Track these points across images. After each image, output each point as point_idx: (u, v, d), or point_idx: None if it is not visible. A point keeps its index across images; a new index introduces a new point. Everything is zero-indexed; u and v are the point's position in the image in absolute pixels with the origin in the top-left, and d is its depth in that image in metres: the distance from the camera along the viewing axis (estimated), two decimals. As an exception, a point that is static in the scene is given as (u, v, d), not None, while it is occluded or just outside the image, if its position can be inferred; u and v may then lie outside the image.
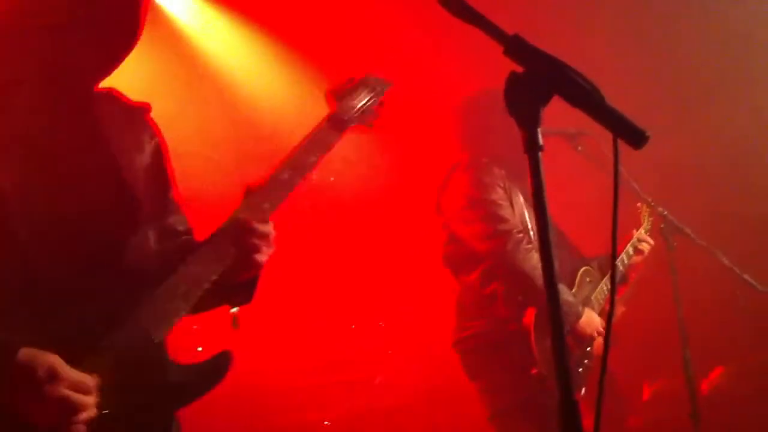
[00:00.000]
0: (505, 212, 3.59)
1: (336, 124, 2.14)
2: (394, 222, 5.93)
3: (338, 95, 2.21)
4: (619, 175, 1.35)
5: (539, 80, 1.29)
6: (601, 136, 1.39)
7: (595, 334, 3.60)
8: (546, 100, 1.29)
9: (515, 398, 3.49)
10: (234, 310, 2.13)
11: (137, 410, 1.74)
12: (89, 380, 1.64)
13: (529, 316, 3.43)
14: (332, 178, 5.79)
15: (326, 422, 5.34)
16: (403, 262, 5.78)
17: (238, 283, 2.01)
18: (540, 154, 1.30)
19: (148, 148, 1.99)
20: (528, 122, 1.29)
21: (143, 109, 2.05)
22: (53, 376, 1.58)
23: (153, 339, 1.77)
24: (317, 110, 2.19)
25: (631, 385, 4.94)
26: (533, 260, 3.47)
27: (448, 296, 3.86)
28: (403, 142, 5.95)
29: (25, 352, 1.58)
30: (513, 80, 1.30)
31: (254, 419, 5.48)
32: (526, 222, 3.64)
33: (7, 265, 1.70)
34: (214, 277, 1.86)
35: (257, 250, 1.93)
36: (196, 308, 1.89)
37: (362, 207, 6.04)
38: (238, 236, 1.90)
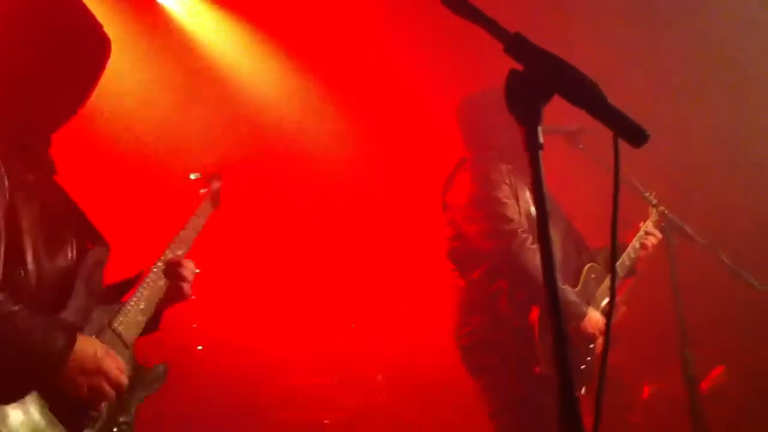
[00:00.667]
0: (510, 211, 3.59)
1: (210, 201, 2.84)
2: (393, 219, 5.94)
3: (199, 182, 2.89)
4: (619, 173, 1.35)
5: (539, 78, 1.29)
6: (601, 134, 1.39)
7: (598, 333, 3.60)
8: (546, 98, 1.29)
9: (516, 396, 3.50)
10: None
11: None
12: (123, 363, 2.15)
13: (534, 315, 3.43)
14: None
15: (325, 421, 5.34)
16: (401, 259, 5.79)
17: (158, 312, 2.47)
18: (540, 152, 1.30)
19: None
20: (528, 120, 1.30)
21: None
22: (109, 354, 2.09)
23: (127, 345, 2.25)
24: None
25: (630, 384, 4.95)
26: (537, 260, 3.45)
27: (447, 292, 3.86)
28: (403, 139, 5.98)
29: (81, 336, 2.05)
30: (513, 78, 1.30)
31: (256, 417, 5.50)
32: (532, 218, 3.62)
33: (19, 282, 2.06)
34: (157, 301, 2.40)
35: (187, 281, 2.48)
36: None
37: (363, 203, 6.05)
38: (175, 270, 2.46)
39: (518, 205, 3.63)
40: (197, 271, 2.54)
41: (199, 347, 5.51)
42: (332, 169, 6.00)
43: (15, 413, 1.92)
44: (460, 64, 5.42)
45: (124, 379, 2.14)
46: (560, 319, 1.33)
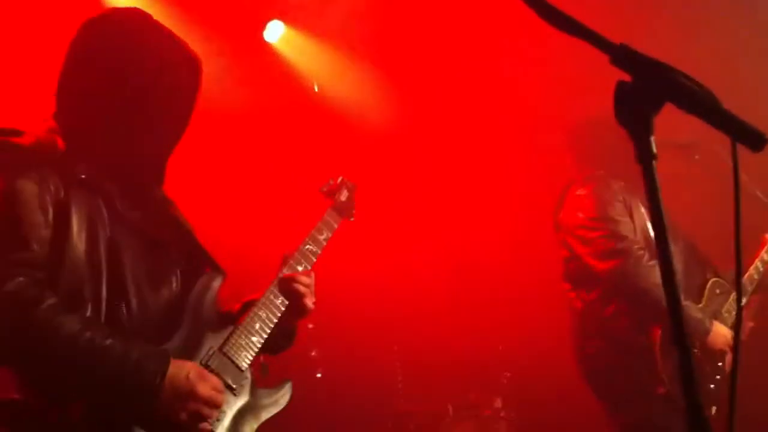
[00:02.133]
0: (624, 229, 3.54)
1: (336, 212, 2.80)
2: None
3: (327, 193, 2.88)
4: (739, 181, 1.30)
5: (649, 88, 1.26)
6: (718, 144, 1.34)
7: (726, 349, 3.46)
8: (657, 107, 1.26)
9: (640, 419, 3.42)
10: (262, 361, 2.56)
11: (231, 424, 2.19)
12: (220, 382, 2.13)
13: (655, 334, 3.34)
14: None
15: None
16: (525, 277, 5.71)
17: (284, 330, 2.48)
18: (654, 163, 1.27)
19: (191, 229, 2.45)
20: (640, 131, 1.27)
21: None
22: (201, 375, 2.05)
23: (240, 367, 2.24)
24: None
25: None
26: (655, 277, 3.37)
27: (566, 314, 3.80)
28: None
29: (175, 360, 2.04)
30: (622, 89, 1.28)
31: None
32: (648, 234, 3.56)
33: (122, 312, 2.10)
34: (276, 320, 2.38)
35: (304, 296, 2.45)
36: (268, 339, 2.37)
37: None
38: (289, 286, 2.43)
39: (633, 222, 3.57)
40: (309, 283, 2.49)
41: (318, 374, 5.60)
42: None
43: None
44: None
45: (220, 399, 2.09)
46: (684, 334, 1.28)
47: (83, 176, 2.11)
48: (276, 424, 2.42)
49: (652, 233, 3.56)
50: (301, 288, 2.44)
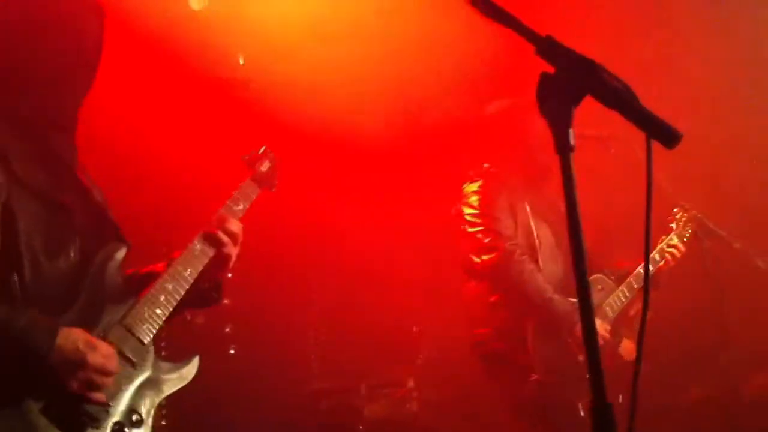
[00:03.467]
0: (502, 226, 3.75)
1: (256, 182, 2.70)
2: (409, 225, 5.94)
3: (248, 162, 2.77)
4: (651, 176, 1.34)
5: (571, 80, 1.28)
6: (632, 138, 1.38)
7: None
8: (578, 100, 1.29)
9: (523, 402, 3.65)
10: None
11: (130, 398, 2.13)
12: (112, 348, 2.06)
13: (527, 325, 3.57)
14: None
15: (360, 426, 5.32)
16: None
17: (211, 284, 2.42)
18: (571, 154, 1.29)
19: (102, 195, 2.37)
20: (559, 122, 1.29)
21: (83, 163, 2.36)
22: (90, 344, 1.98)
23: (141, 340, 2.17)
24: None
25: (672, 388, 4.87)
26: (524, 273, 3.66)
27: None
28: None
29: (64, 329, 1.96)
30: (545, 80, 1.30)
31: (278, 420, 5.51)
32: (531, 231, 3.79)
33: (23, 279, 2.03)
34: (192, 278, 2.30)
35: (226, 244, 2.36)
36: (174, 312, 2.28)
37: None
38: (212, 232, 2.36)
39: (515, 220, 3.78)
40: (237, 231, 2.41)
41: (231, 351, 5.55)
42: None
43: (9, 418, 1.88)
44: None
45: (112, 367, 2.03)
46: (591, 322, 1.31)
47: None
48: (185, 399, 2.38)
49: (534, 231, 3.81)
50: (224, 237, 2.36)
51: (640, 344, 1.49)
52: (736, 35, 5.30)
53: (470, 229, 3.84)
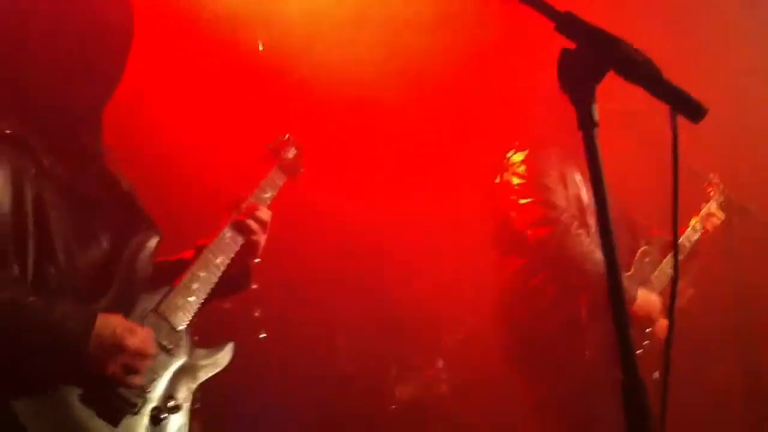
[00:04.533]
0: (556, 197, 3.57)
1: (282, 170, 2.74)
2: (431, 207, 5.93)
3: (273, 150, 2.80)
4: (678, 151, 1.32)
5: (593, 56, 1.27)
6: (658, 114, 1.36)
7: (654, 315, 3.55)
8: (600, 75, 1.28)
9: (564, 386, 3.49)
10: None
11: (167, 384, 2.16)
12: (149, 332, 2.09)
13: (580, 302, 3.42)
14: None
15: (393, 406, 5.34)
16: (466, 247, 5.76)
17: (240, 270, 2.45)
18: (595, 130, 1.28)
19: (130, 186, 2.39)
20: (582, 99, 1.28)
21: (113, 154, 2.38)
22: (129, 328, 2.01)
23: (176, 328, 2.20)
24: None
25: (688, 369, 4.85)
26: (582, 246, 3.46)
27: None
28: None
29: (102, 315, 1.98)
30: (566, 57, 1.28)
31: (315, 404, 5.56)
32: (582, 203, 3.61)
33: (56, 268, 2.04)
34: (224, 266, 2.34)
35: (256, 232, 2.41)
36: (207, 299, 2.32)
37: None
38: (242, 220, 2.41)
39: (566, 191, 3.60)
40: (267, 219, 2.46)
41: (262, 335, 5.59)
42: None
43: (47, 407, 1.90)
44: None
45: (150, 350, 2.06)
46: (621, 299, 1.31)
47: (8, 131, 2.03)
48: (217, 383, 2.41)
49: (585, 202, 3.63)
50: (254, 225, 2.43)
51: (671, 321, 1.48)
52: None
53: (521, 200, 3.62)
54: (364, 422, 5.37)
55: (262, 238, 2.46)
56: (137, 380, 2.03)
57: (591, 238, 3.46)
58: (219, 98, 5.50)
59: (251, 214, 2.44)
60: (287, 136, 2.85)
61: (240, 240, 2.41)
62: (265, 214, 2.47)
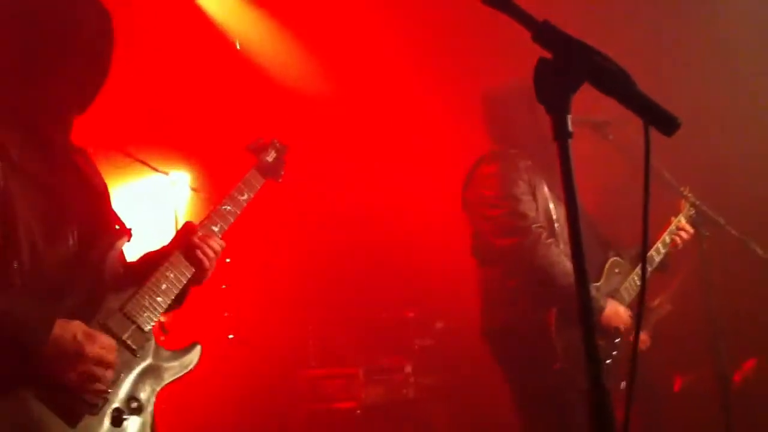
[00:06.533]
0: (526, 207, 3.56)
1: (260, 172, 2.70)
2: (416, 214, 5.94)
3: (254, 150, 2.77)
4: (650, 163, 1.33)
5: (569, 66, 1.27)
6: (631, 125, 1.37)
7: (622, 327, 3.57)
8: (576, 86, 1.28)
9: (539, 390, 3.50)
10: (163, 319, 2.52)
11: (130, 385, 2.13)
12: (111, 340, 2.05)
13: (550, 312, 3.42)
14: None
15: (358, 411, 5.34)
16: (430, 249, 5.77)
17: (182, 291, 2.35)
18: (569, 141, 1.29)
19: (104, 185, 2.36)
20: (557, 109, 1.28)
21: (89, 153, 2.36)
22: (89, 335, 1.97)
23: (142, 328, 2.17)
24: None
25: (661, 377, 4.90)
26: (552, 256, 3.46)
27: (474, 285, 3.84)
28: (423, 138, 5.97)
29: (61, 320, 1.94)
30: (542, 66, 1.28)
31: (282, 406, 5.53)
32: (550, 214, 3.62)
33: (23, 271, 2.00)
34: (184, 281, 2.30)
35: (206, 268, 2.36)
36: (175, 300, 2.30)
37: (392, 196, 6.05)
38: (194, 253, 2.33)
39: (535, 202, 3.61)
40: (219, 250, 2.39)
41: (230, 336, 5.56)
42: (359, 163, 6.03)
43: (5, 407, 1.87)
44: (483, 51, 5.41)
45: (111, 358, 2.01)
46: (590, 311, 1.31)
47: None
48: (185, 386, 2.37)
49: (554, 214, 3.64)
50: (200, 255, 2.34)
51: (636, 332, 1.48)
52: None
53: (491, 212, 3.62)
54: (330, 424, 5.36)
55: (209, 270, 2.38)
56: (96, 387, 1.99)
57: (560, 249, 3.48)
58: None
59: (205, 242, 2.36)
60: (272, 140, 2.82)
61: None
62: (216, 246, 2.39)
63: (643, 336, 4.06)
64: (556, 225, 3.59)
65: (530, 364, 3.51)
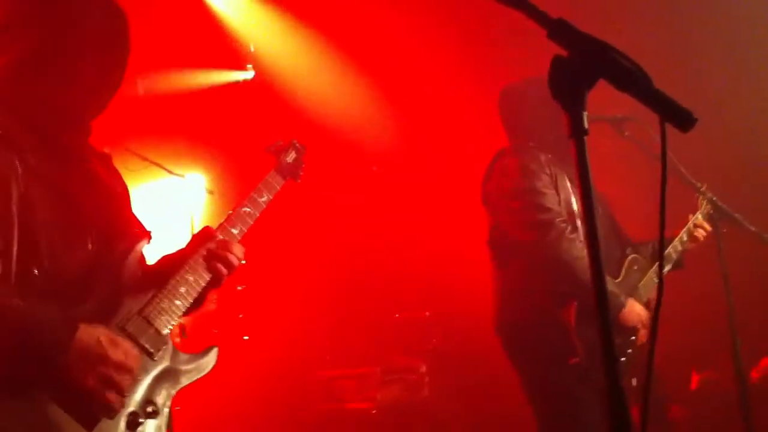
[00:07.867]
0: (549, 201, 3.53)
1: (279, 173, 2.70)
2: (442, 212, 5.93)
3: (273, 152, 2.77)
4: (666, 159, 1.33)
5: (584, 63, 1.27)
6: (647, 122, 1.36)
7: (639, 325, 3.55)
8: (591, 83, 1.27)
9: (554, 387, 3.49)
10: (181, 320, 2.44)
11: (147, 389, 2.12)
12: (135, 349, 2.06)
13: (572, 306, 3.40)
14: (374, 168, 5.82)
15: (373, 411, 5.34)
16: (447, 250, 5.77)
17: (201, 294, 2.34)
18: (585, 138, 1.28)
19: (124, 188, 2.38)
20: (573, 106, 1.28)
21: (109, 156, 2.38)
22: (112, 340, 1.98)
23: (160, 332, 2.16)
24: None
25: (678, 374, 4.88)
26: (576, 250, 3.42)
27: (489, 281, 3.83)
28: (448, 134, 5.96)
29: (86, 325, 1.95)
30: (557, 64, 1.28)
31: (296, 407, 5.54)
32: (572, 208, 3.58)
33: (42, 273, 2.00)
34: (203, 284, 2.29)
35: (230, 268, 2.33)
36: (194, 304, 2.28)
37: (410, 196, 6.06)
38: (215, 256, 2.31)
39: (558, 195, 3.59)
40: (240, 256, 2.36)
41: (245, 337, 5.58)
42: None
43: (22, 408, 1.87)
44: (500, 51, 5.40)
45: (131, 365, 2.02)
46: (606, 307, 1.31)
47: None
48: (200, 387, 2.38)
49: (575, 207, 3.62)
50: (225, 267, 2.33)
51: (654, 331, 1.47)
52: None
53: (513, 203, 3.58)
54: (345, 424, 5.37)
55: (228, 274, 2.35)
56: (114, 392, 1.99)
57: (582, 243, 3.44)
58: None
59: (225, 249, 2.34)
60: (292, 141, 2.83)
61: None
62: (238, 252, 2.37)
63: (644, 330, 4.04)
64: (577, 220, 3.56)
65: (546, 358, 3.48)
